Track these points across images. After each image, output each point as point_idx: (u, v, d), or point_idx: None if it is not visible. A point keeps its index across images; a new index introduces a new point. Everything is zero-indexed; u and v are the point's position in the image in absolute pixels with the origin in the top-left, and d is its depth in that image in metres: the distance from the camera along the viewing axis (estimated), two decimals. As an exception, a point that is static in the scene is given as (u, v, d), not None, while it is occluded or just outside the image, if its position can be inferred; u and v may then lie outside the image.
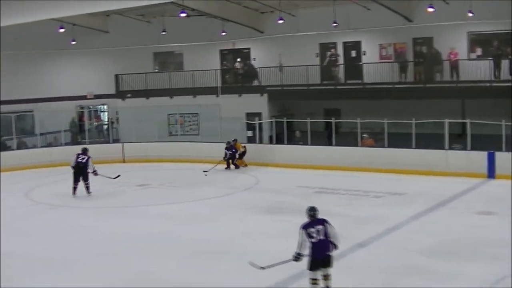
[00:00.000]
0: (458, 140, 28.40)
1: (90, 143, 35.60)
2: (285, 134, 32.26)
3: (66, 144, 35.58)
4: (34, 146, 35.98)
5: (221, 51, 40.67)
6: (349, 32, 35.93)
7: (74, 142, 37.10)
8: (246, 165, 31.62)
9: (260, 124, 34.01)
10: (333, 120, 30.76)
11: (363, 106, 32.58)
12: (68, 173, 26.41)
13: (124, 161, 34.40)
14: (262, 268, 13.20)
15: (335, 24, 33.75)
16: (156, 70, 42.49)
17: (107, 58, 41.41)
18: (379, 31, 35.29)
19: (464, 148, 27.55)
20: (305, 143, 31.52)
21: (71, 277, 14.84)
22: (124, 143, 35.72)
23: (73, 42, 38.65)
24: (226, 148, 31.09)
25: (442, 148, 27.73)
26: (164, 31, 37.21)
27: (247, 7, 36.66)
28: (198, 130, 38.22)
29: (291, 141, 32.72)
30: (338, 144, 30.62)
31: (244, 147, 31.84)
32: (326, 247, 12.84)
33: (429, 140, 28.26)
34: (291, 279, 13.95)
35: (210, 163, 31.27)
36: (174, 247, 16.53)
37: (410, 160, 28.09)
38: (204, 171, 29.00)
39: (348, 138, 31.32)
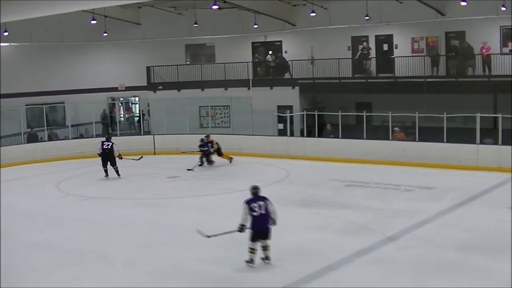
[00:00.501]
0: (490, 134, 28.28)
1: (121, 135, 36.11)
2: (316, 127, 32.28)
3: (97, 135, 35.72)
4: (65, 138, 36.17)
5: (253, 43, 40.80)
6: (381, 25, 35.87)
7: (105, 133, 37.35)
8: (231, 158, 31.19)
9: (291, 117, 34.12)
10: (364, 114, 30.72)
11: (394, 99, 32.50)
12: (99, 164, 26.79)
13: (155, 153, 34.60)
14: (208, 236, 15.09)
15: (367, 18, 33.80)
16: (187, 62, 42.68)
17: (139, 50, 41.67)
18: (411, 24, 35.21)
19: (496, 143, 27.43)
20: (336, 136, 31.52)
21: (102, 269, 14.99)
22: (155, 135, 35.93)
23: (105, 34, 38.91)
24: (200, 146, 30.46)
25: (473, 142, 27.61)
26: (196, 23, 37.23)
27: (279, -1, 36.70)
28: (229, 122, 38.34)
29: (322, 134, 32.74)
30: (369, 137, 30.60)
31: (217, 143, 31.06)
32: (266, 221, 14.57)
33: (460, 134, 28.19)
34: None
35: (241, 155, 31.45)
36: (206, 239, 16.67)
37: (441, 154, 28.01)
38: (189, 169, 29.04)
39: (379, 132, 31.32)
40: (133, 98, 43.35)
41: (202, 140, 30.41)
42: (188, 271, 14.66)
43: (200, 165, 29.98)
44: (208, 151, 30.31)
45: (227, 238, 16.56)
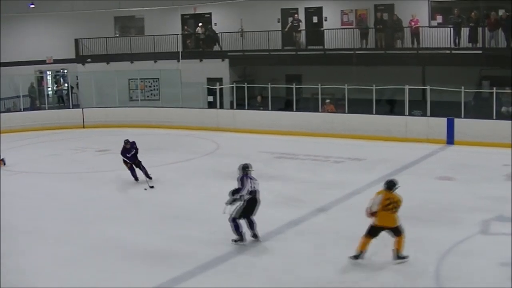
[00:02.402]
0: (418, 106, 28.60)
1: (50, 108, 35.33)
2: (246, 100, 32.19)
3: (25, 109, 35.06)
4: (-8, 111, 35.31)
5: (183, 16, 40.29)
6: (311, -2, 35.88)
7: (33, 107, 36.66)
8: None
9: (221, 89, 33.94)
10: (294, 86, 30.73)
11: (324, 72, 32.59)
12: (27, 139, 26.24)
13: (84, 127, 34.11)
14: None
15: (297, -10, 33.71)
16: (116, 35, 41.99)
17: (67, 23, 40.72)
18: (341, -3, 35.32)
19: (424, 115, 27.79)
20: (266, 109, 31.50)
21: (35, 244, 14.66)
22: (84, 109, 35.38)
23: (32, 6, 38.07)
24: (123, 153, 21.05)
25: (402, 114, 27.93)
26: (124, -4, 36.72)
27: (208, -29, 36.32)
28: (158, 95, 37.94)
29: (252, 106, 32.67)
30: (299, 109, 30.64)
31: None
32: (258, 197, 14.64)
33: (389, 106, 28.43)
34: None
35: (170, 128, 31.29)
36: (141, 212, 16.47)
37: (371, 126, 28.27)
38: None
39: (309, 104, 31.40)
40: (61, 71, 42.50)
41: (127, 142, 21.00)
42: (120, 244, 14.46)
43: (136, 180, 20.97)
44: (135, 157, 21.06)
45: (160, 213, 16.52)
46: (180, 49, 37.73)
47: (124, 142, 20.88)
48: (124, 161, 20.88)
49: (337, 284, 11.67)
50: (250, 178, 14.67)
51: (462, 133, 26.23)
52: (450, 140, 26.53)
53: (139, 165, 20.72)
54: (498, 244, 12.58)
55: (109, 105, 34.90)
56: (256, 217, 15.18)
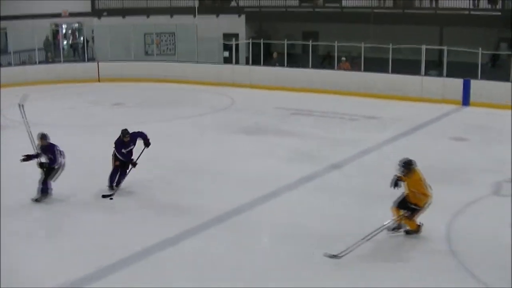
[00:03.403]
0: (435, 66, 28.47)
1: (65, 62, 35.30)
2: (261, 56, 32.11)
3: (40, 62, 35.05)
4: (8, 64, 35.25)
5: (200, -31, 40.12)
6: (330, -46, 35.54)
7: (48, 60, 36.64)
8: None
9: (236, 45, 33.80)
10: (310, 43, 30.59)
11: (341, 29, 32.43)
12: (41, 92, 26.19)
13: (99, 80, 34.11)
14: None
15: None
16: (133, -11, 41.82)
17: (83, -25, 40.66)
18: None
19: (440, 75, 27.65)
20: (282, 65, 31.40)
21: (55, 194, 14.65)
22: (99, 62, 35.34)
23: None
24: (118, 147, 15.08)
25: (419, 74, 27.79)
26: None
27: None
28: (174, 50, 37.81)
29: (268, 62, 32.58)
30: (314, 67, 30.56)
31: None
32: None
33: (406, 66, 28.30)
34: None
35: (185, 83, 31.30)
36: (154, 165, 16.53)
37: (386, 85, 28.14)
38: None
39: (325, 61, 31.30)
40: (77, 24, 42.38)
41: (126, 133, 14.99)
42: (133, 197, 14.54)
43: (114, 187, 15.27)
44: (129, 155, 15.23)
45: (173, 167, 16.60)
46: (196, 4, 37.51)
47: (122, 133, 14.86)
48: (114, 157, 14.99)
49: (349, 239, 11.71)
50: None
51: (478, 95, 26.07)
52: (466, 101, 26.40)
53: (126, 167, 15.03)
54: (509, 206, 12.59)
55: (124, 59, 34.81)
56: (271, 172, 15.30)
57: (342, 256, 10.73)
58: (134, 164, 14.96)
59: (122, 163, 14.96)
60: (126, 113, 25.38)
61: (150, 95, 29.57)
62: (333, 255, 10.75)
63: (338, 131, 21.64)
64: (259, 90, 30.40)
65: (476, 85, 26.25)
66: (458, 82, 26.58)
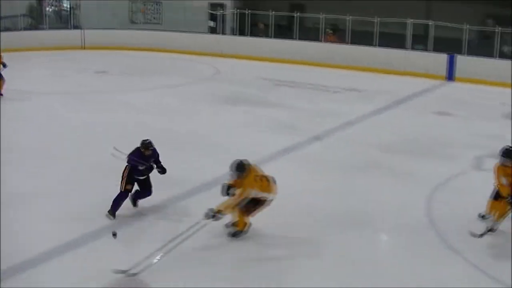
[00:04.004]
0: (420, 41, 28.43)
1: (50, 28, 34.96)
2: (247, 27, 31.97)
3: (25, 29, 34.64)
4: (-10, 30, 34.79)
5: None
6: None
7: (33, 27, 36.24)
8: None
9: (223, 15, 33.66)
10: (296, 14, 30.46)
11: (327, 2, 32.24)
12: (26, 58, 25.90)
13: (84, 48, 33.84)
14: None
15: None
16: (119, -45, 41.39)
17: None
18: None
19: (426, 50, 27.64)
20: (268, 36, 31.29)
21: (44, 165, 14.54)
22: (85, 30, 35.04)
23: None
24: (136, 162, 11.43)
25: (404, 48, 27.77)
26: None
27: None
28: (160, 19, 37.57)
29: (254, 33, 32.44)
30: (300, 38, 30.46)
31: None
32: None
33: (392, 39, 28.26)
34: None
35: (171, 52, 31.13)
36: (141, 136, 16.42)
37: (372, 58, 28.15)
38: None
39: (311, 33, 31.19)
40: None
41: (148, 145, 11.59)
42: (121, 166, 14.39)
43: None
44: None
45: (158, 136, 16.48)
46: (183, -27, 37.29)
47: (143, 145, 11.51)
48: (127, 177, 11.38)
49: (328, 210, 11.72)
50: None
51: (463, 70, 26.14)
52: (451, 76, 26.48)
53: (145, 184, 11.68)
54: (491, 181, 12.64)
55: (110, 27, 34.53)
56: (254, 142, 15.27)
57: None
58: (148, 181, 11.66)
59: (140, 181, 11.59)
60: (109, 81, 25.21)
61: (135, 64, 29.41)
62: None
63: (321, 103, 21.59)
64: (244, 60, 30.31)
65: (462, 60, 26.33)
66: (443, 57, 26.64)
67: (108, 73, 26.68)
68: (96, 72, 26.79)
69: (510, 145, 10.96)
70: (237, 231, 10.56)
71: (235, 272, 9.50)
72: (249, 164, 10.54)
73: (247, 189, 10.18)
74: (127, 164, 11.39)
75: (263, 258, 9.95)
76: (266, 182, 10.55)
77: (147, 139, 11.57)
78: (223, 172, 13.76)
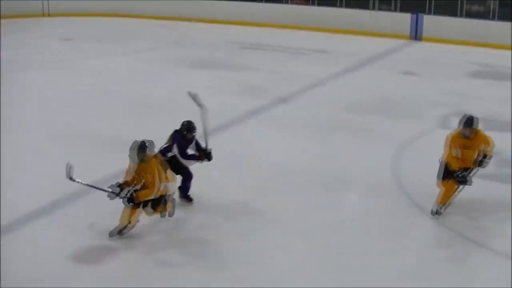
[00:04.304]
0: (386, 0, 28.40)
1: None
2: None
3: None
4: None
5: None
6: None
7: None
8: None
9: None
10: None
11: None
12: None
13: (49, 15, 33.31)
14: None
15: None
16: None
17: None
18: None
19: (392, 9, 27.64)
20: (234, -1, 31.16)
21: (6, 131, 14.37)
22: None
23: None
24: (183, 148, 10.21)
25: (370, 8, 27.74)
26: None
27: None
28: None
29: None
30: (267, 0, 30.31)
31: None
32: None
33: (358, 0, 28.21)
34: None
35: (138, 17, 30.91)
36: (109, 102, 16.31)
37: (338, 19, 28.05)
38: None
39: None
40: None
41: (192, 128, 10.33)
42: (87, 133, 14.30)
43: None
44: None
45: (127, 103, 16.44)
46: None
47: (187, 127, 10.26)
48: (176, 163, 9.98)
49: (297, 171, 11.79)
50: None
51: (429, 30, 26.19)
52: (417, 36, 26.52)
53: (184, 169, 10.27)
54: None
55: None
56: (222, 105, 15.24)
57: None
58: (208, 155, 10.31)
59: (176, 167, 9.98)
60: (74, 48, 24.86)
61: (101, 30, 29.04)
62: None
63: (289, 65, 21.57)
64: (211, 24, 30.04)
65: (428, 20, 26.35)
66: (409, 17, 26.64)
67: (73, 40, 26.28)
68: (60, 39, 26.38)
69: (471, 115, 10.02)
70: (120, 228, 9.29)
71: (204, 235, 9.55)
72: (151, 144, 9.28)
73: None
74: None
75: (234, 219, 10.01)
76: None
77: (189, 121, 10.27)
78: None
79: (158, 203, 9.31)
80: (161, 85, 18.70)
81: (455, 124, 10.77)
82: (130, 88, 18.13)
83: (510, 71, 20.59)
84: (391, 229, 9.72)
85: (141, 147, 9.07)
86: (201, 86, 18.26)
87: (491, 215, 10.17)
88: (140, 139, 9.17)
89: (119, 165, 10.63)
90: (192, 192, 10.39)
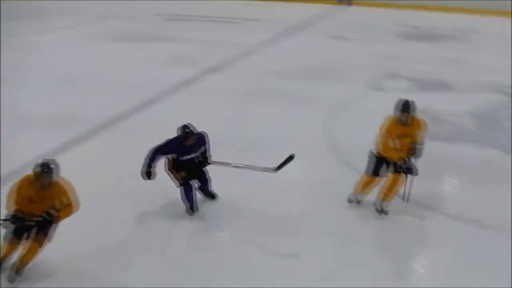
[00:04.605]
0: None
1: None
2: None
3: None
4: None
5: None
6: None
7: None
8: None
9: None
10: None
11: None
12: None
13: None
14: None
15: None
16: None
17: None
18: None
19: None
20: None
21: None
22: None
23: None
24: (181, 153, 8.94)
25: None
26: None
27: None
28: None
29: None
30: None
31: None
32: None
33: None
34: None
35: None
36: (30, 77, 15.92)
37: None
38: None
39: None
40: None
41: (190, 135, 8.76)
42: (12, 111, 13.90)
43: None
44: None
45: (51, 78, 16.08)
46: None
47: (184, 133, 8.76)
48: (173, 170, 9.05)
49: (230, 139, 11.69)
50: None
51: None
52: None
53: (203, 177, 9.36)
54: (387, 100, 12.84)
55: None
56: (151, 78, 15.07)
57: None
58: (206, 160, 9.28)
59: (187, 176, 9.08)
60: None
61: (22, 6, 28.19)
62: None
63: (218, 34, 21.43)
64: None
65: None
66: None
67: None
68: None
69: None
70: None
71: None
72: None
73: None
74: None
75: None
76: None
77: (187, 125, 8.82)
78: (122, 109, 13.62)
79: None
80: (86, 60, 18.14)
81: (386, 85, 10.79)
82: (53, 63, 17.69)
83: (439, 32, 20.87)
84: (323, 189, 9.75)
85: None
86: (127, 58, 18.15)
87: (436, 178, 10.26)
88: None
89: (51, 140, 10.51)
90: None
